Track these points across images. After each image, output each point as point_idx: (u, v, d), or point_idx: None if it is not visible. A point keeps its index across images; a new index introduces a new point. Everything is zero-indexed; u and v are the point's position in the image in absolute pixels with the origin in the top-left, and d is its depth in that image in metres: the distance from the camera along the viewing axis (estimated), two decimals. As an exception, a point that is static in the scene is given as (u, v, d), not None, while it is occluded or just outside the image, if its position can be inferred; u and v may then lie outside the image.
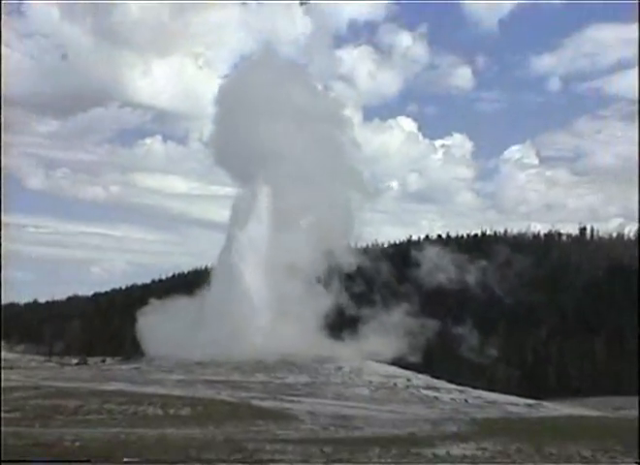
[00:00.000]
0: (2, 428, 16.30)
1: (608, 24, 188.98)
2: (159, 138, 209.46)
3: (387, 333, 47.31)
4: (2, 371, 32.43)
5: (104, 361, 62.46)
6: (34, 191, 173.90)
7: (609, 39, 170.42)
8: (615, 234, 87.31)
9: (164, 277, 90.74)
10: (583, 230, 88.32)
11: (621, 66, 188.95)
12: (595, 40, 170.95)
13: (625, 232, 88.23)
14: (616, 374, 55.18)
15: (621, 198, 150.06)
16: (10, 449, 13.55)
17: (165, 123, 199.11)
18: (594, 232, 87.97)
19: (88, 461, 13.23)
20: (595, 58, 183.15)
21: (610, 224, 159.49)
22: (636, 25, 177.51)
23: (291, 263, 42.66)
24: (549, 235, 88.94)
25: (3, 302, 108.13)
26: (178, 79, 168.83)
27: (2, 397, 21.29)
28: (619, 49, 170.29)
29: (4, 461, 12.92)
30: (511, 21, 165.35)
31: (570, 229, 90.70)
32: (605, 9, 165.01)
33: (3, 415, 18.81)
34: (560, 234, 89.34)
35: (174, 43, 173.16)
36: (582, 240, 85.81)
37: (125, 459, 13.56)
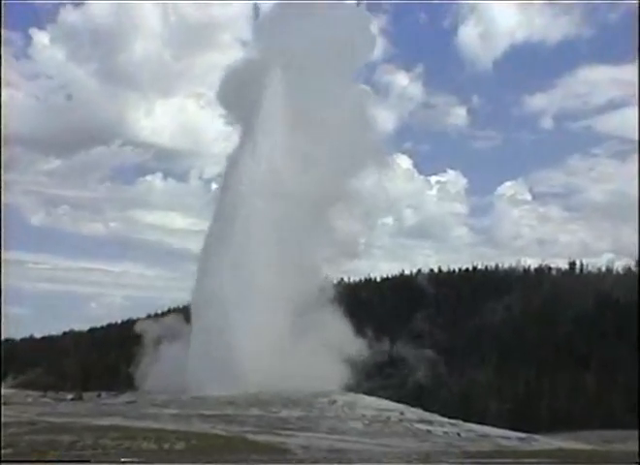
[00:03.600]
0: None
1: (599, 65, 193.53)
2: (160, 175, 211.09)
3: (378, 365, 46.10)
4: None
5: (99, 396, 61.91)
6: (35, 228, 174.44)
7: (600, 79, 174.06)
8: (604, 269, 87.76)
9: (160, 312, 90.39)
10: (572, 264, 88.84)
11: (611, 106, 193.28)
12: (587, 80, 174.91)
13: (615, 266, 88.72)
14: (606, 407, 55.00)
15: (611, 233, 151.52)
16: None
17: (166, 161, 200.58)
18: (584, 267, 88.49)
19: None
20: (587, 98, 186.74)
21: (601, 259, 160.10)
22: (626, 66, 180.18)
23: (287, 289, 40.64)
24: (539, 270, 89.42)
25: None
26: (180, 119, 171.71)
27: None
28: (609, 90, 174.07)
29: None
30: (505, 62, 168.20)
31: (562, 263, 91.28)
32: (596, 50, 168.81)
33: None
34: (550, 269, 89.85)
35: (176, 83, 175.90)
36: (571, 275, 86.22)
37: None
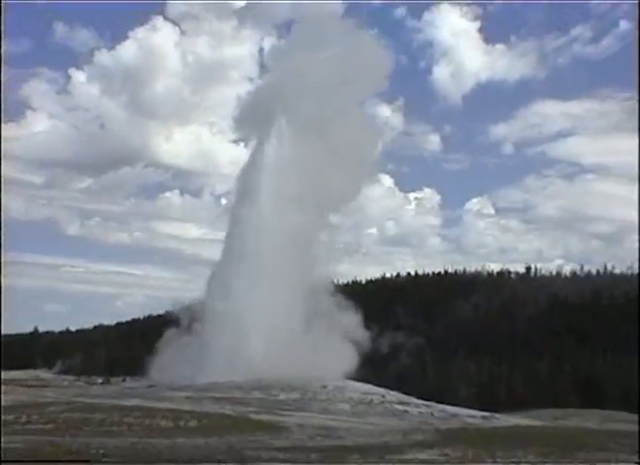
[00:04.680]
0: (34, 437, 16.11)
1: (550, 101, 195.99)
2: (177, 192, 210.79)
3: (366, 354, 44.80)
4: (38, 389, 32.04)
5: (124, 381, 61.78)
6: (71, 237, 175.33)
7: (551, 113, 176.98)
8: (555, 273, 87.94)
9: (176, 309, 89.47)
10: (528, 269, 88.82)
11: (561, 135, 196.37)
12: (540, 113, 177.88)
13: (564, 271, 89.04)
14: (555, 390, 55.09)
15: (561, 242, 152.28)
16: (47, 455, 13.40)
17: (182, 180, 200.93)
18: (538, 271, 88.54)
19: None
20: (541, 128, 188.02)
21: (552, 264, 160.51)
22: (573, 102, 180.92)
23: (293, 287, 39.66)
24: (500, 273, 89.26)
25: (40, 331, 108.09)
26: (195, 144, 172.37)
27: (39, 411, 21.07)
28: (559, 121, 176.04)
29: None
30: (472, 97, 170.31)
31: (519, 268, 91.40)
32: (548, 88, 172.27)
33: (40, 426, 18.58)
34: (509, 273, 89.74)
35: (192, 114, 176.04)
36: (528, 278, 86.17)
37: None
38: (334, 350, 39.38)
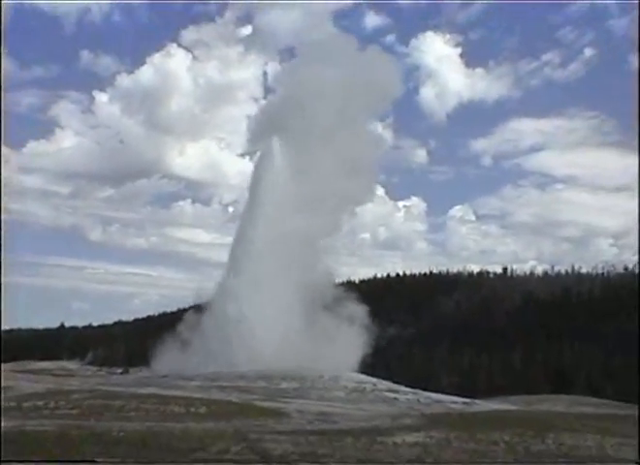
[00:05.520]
0: (62, 421, 16.13)
1: (525, 118, 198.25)
2: (189, 201, 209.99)
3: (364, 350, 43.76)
4: (64, 378, 31.95)
5: (141, 371, 61.56)
6: (93, 242, 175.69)
7: (525, 129, 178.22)
8: (529, 273, 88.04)
9: (187, 307, 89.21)
10: (505, 269, 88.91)
11: (534, 149, 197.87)
12: (516, 129, 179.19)
13: (537, 271, 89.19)
14: (528, 378, 55.16)
15: (534, 245, 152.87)
16: (73, 438, 13.44)
17: (193, 190, 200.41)
18: (514, 272, 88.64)
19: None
20: (516, 143, 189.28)
21: (526, 265, 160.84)
22: (544, 119, 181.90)
23: (294, 285, 38.88)
24: (480, 274, 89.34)
25: (66, 326, 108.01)
26: (205, 157, 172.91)
27: (65, 398, 21.08)
28: (532, 137, 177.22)
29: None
30: (455, 115, 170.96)
31: (497, 269, 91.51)
32: (522, 107, 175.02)
33: (67, 411, 18.59)
34: (488, 273, 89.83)
35: (203, 130, 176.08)
36: (504, 277, 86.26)
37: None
38: (338, 343, 38.75)
